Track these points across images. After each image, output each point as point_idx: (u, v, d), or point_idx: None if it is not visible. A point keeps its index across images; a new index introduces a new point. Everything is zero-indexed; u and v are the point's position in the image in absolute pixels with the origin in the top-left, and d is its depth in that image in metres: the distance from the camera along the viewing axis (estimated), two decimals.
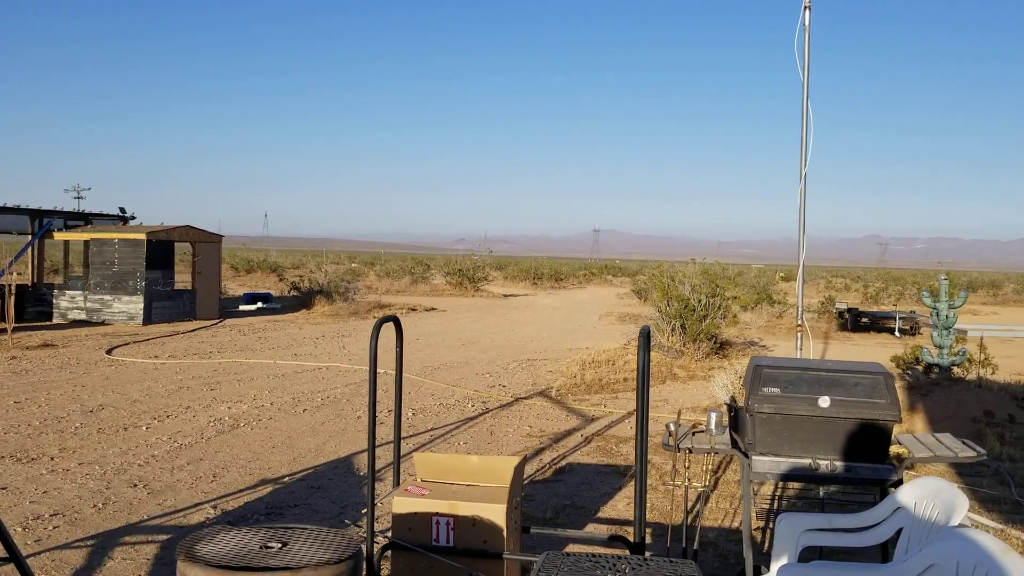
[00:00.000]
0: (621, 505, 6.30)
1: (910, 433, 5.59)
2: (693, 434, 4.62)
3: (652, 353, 13.75)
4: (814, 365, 4.30)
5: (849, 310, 25.52)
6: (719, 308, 15.29)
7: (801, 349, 8.65)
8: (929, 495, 3.24)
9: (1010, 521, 5.91)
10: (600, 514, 6.11)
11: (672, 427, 4.59)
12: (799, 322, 8.57)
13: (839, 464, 4.12)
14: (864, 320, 24.74)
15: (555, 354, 15.84)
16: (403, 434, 8.53)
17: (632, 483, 6.16)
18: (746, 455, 4.28)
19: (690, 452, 4.46)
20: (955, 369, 10.78)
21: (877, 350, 18.31)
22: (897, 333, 22.93)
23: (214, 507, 6.11)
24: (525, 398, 10.98)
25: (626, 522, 5.85)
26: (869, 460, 4.10)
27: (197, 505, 6.15)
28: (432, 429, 8.93)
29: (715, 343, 15.35)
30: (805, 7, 7.75)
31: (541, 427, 9.16)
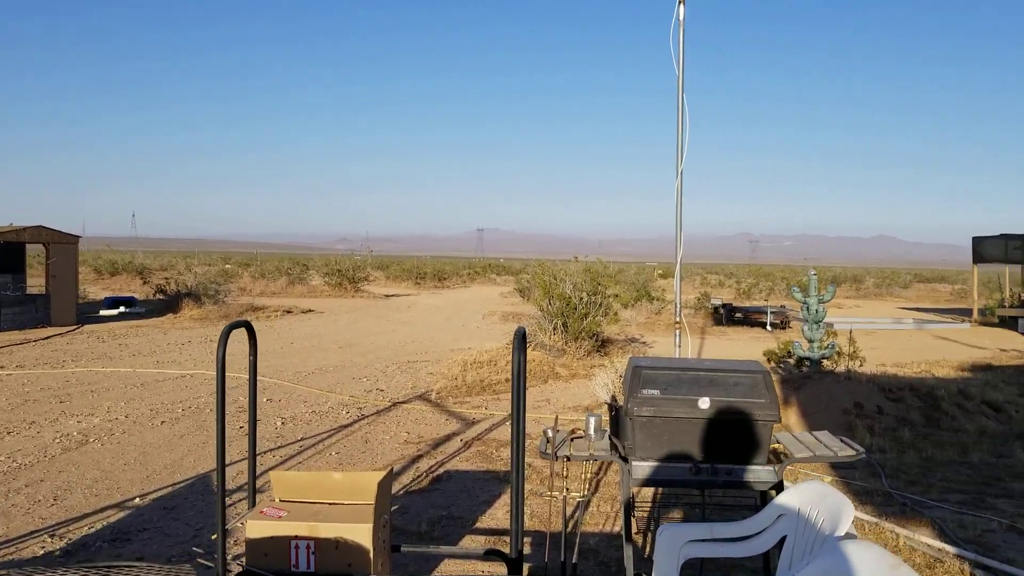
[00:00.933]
0: (500, 514, 6.03)
1: (787, 430, 5.56)
2: (572, 440, 4.40)
3: (534, 352, 13.59)
4: (693, 365, 4.14)
5: (724, 306, 26.25)
6: (600, 306, 15.30)
7: (680, 345, 8.62)
8: (814, 501, 3.10)
9: (883, 513, 5.97)
10: (479, 524, 5.82)
11: (550, 433, 4.36)
12: (677, 319, 8.54)
13: (720, 467, 3.97)
14: (738, 315, 25.49)
15: (436, 355, 15.49)
16: (271, 445, 8.04)
17: None
18: (626, 460, 4.08)
19: (568, 460, 4.24)
20: (825, 362, 11.06)
21: (751, 344, 18.80)
22: (768, 327, 23.68)
23: (51, 535, 5.50)
24: (404, 402, 10.60)
25: (505, 532, 5.59)
26: (750, 462, 3.97)
27: (33, 533, 5.53)
28: (302, 439, 8.45)
29: (597, 341, 15.36)
30: (679, 1, 7.70)
31: (419, 433, 8.82)
